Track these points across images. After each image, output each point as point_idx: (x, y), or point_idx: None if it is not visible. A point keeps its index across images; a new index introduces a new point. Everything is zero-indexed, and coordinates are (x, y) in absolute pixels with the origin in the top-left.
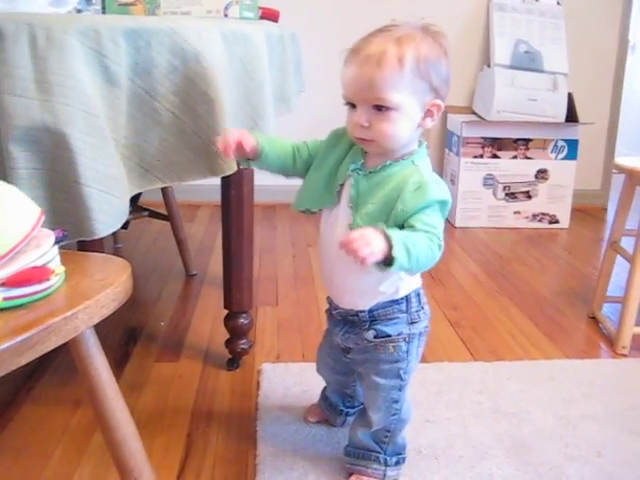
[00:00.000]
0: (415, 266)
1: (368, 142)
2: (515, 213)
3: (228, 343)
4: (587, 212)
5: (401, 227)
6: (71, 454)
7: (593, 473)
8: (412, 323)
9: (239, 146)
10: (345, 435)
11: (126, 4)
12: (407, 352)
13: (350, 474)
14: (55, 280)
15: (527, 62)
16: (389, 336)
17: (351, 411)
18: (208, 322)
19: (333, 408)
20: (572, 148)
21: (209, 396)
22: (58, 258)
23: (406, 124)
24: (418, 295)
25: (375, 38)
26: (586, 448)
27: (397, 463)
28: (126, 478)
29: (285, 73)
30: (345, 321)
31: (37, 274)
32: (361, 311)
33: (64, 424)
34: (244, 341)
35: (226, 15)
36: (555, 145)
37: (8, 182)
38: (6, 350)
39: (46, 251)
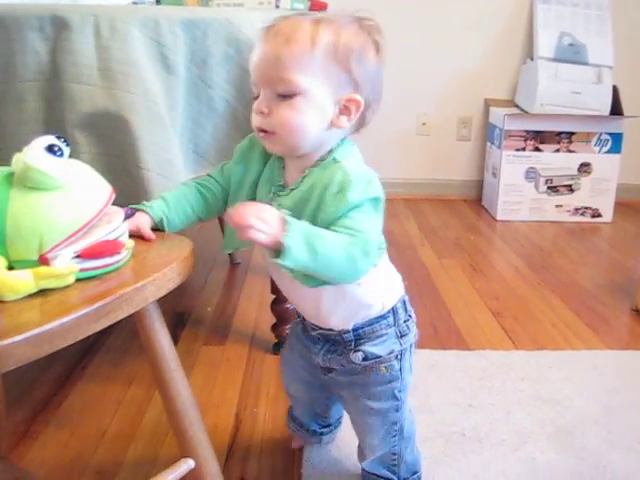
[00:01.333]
0: (324, 270)
1: (269, 135)
2: (557, 207)
3: (274, 328)
4: (631, 206)
5: None
6: (125, 429)
7: (635, 461)
8: (402, 337)
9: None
10: None
11: None
12: (400, 370)
13: None
14: (125, 254)
15: (571, 55)
16: (379, 357)
17: (326, 430)
18: (253, 308)
19: (305, 429)
20: (616, 141)
21: (256, 378)
22: (127, 234)
23: (314, 116)
24: (404, 303)
25: (293, 16)
26: (629, 436)
27: (414, 476)
28: (185, 446)
29: None
30: (326, 340)
31: (110, 247)
32: (345, 331)
33: (117, 401)
34: (290, 326)
35: (277, 6)
36: (599, 138)
37: None
38: (84, 316)
39: (117, 226)
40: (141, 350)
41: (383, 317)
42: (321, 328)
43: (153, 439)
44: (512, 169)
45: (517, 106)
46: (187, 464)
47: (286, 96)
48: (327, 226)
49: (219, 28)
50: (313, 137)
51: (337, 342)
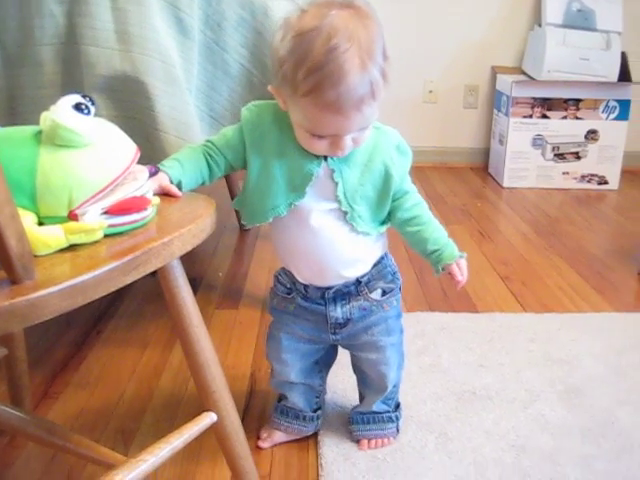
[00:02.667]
0: None
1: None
2: (564, 174)
3: None
4: (638, 174)
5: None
6: (143, 390)
7: None
8: (394, 273)
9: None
10: None
11: None
12: (399, 302)
13: (359, 440)
14: (151, 210)
15: (580, 21)
16: (392, 290)
17: (319, 413)
18: (264, 273)
19: (300, 418)
20: (624, 108)
21: None
22: (152, 191)
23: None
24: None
25: (341, 60)
26: (637, 394)
27: (399, 408)
28: (208, 400)
29: None
30: (341, 296)
31: (137, 203)
32: (362, 275)
33: (134, 363)
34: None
35: None
36: (606, 105)
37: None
38: (115, 269)
39: (142, 184)
40: (155, 315)
41: (382, 257)
42: (337, 284)
43: (171, 399)
44: (519, 136)
45: (524, 73)
46: (210, 417)
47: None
48: (400, 180)
49: None
50: None
51: (350, 293)
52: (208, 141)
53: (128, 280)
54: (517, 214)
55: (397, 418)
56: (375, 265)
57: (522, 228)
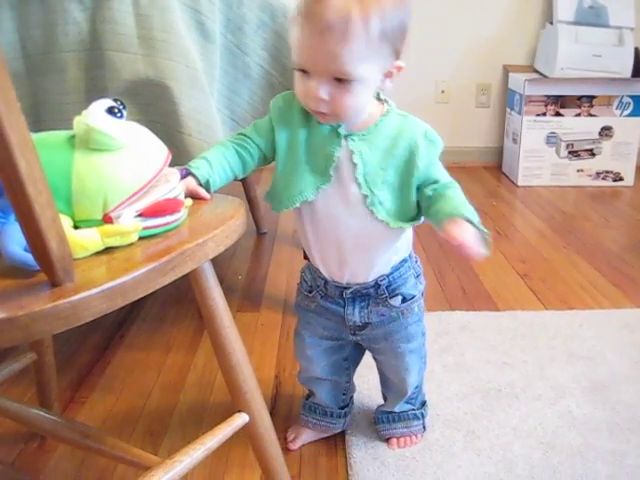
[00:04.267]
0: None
1: (327, 116)
2: (578, 171)
3: None
4: None
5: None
6: (168, 394)
7: None
8: (418, 276)
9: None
10: None
11: None
12: (422, 307)
13: (388, 439)
14: (183, 212)
15: (592, 17)
16: (414, 297)
17: (347, 410)
18: (283, 275)
19: (328, 415)
20: (638, 104)
21: (292, 342)
22: (183, 193)
23: (368, 94)
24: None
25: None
26: None
27: (424, 406)
28: (240, 401)
29: None
30: (361, 297)
31: (171, 206)
32: (381, 278)
33: (158, 367)
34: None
35: None
36: (620, 101)
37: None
38: (152, 270)
39: (174, 186)
40: (177, 318)
41: (404, 260)
42: (357, 284)
43: (196, 401)
44: (533, 134)
45: (537, 71)
46: (242, 418)
47: (343, 82)
48: (427, 172)
49: None
50: (364, 108)
51: (370, 296)
52: (240, 133)
53: (165, 281)
54: (533, 212)
55: (423, 415)
56: (398, 268)
57: (538, 226)
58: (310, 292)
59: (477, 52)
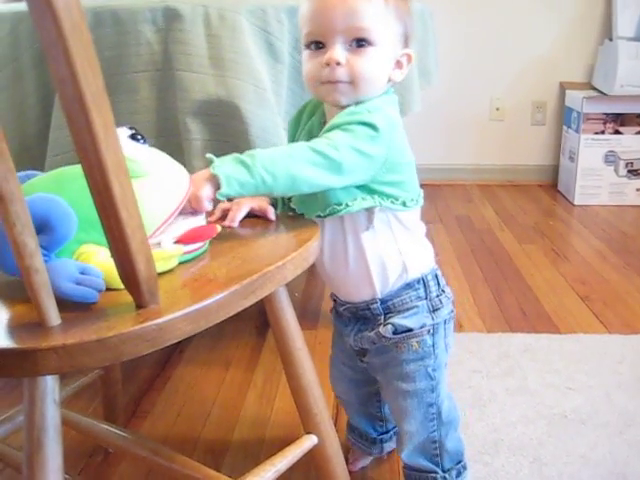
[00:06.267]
0: (272, 177)
1: (341, 85)
2: (638, 190)
3: None
4: None
5: None
6: (228, 411)
7: None
8: (434, 311)
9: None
10: None
11: None
12: (433, 346)
13: None
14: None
15: None
16: (410, 330)
17: (386, 437)
18: None
19: (364, 438)
20: None
21: None
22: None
23: (384, 67)
24: (436, 277)
25: None
26: None
27: (459, 475)
28: (309, 423)
29: (425, 47)
30: (356, 318)
31: (207, 231)
32: (372, 301)
33: (218, 383)
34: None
35: None
36: None
37: (183, 152)
38: (235, 293)
39: (202, 213)
40: (235, 334)
41: (411, 287)
42: (349, 303)
43: (257, 420)
44: (591, 153)
45: (594, 88)
46: (311, 440)
47: (362, 46)
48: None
49: None
50: (377, 90)
51: (367, 319)
52: None
53: (246, 304)
54: (591, 232)
55: None
56: (398, 293)
57: (597, 246)
58: (332, 309)
59: (533, 69)
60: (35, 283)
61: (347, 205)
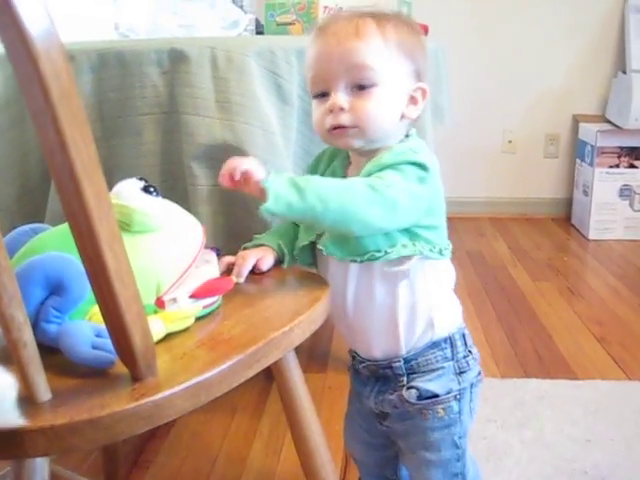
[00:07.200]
0: (324, 206)
1: (348, 130)
2: None
3: None
4: None
5: None
6: (234, 461)
7: None
8: (461, 374)
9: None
10: None
11: (285, 24)
12: (459, 412)
13: None
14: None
15: None
16: (437, 396)
17: None
18: None
19: None
20: None
21: None
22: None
23: (392, 106)
24: (464, 336)
25: (343, 14)
26: None
27: None
28: None
29: (439, 86)
30: (376, 377)
31: (223, 285)
32: (395, 360)
33: (223, 431)
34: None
35: None
36: None
37: (189, 198)
38: (238, 363)
39: (216, 265)
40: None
41: (438, 346)
42: (369, 360)
43: (263, 470)
44: (605, 187)
45: (609, 121)
46: None
47: (365, 88)
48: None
49: None
50: (389, 129)
51: (388, 379)
52: None
53: (250, 374)
54: (606, 268)
55: None
56: (423, 352)
57: (613, 284)
58: (349, 368)
59: (545, 101)
60: (24, 357)
61: (386, 252)
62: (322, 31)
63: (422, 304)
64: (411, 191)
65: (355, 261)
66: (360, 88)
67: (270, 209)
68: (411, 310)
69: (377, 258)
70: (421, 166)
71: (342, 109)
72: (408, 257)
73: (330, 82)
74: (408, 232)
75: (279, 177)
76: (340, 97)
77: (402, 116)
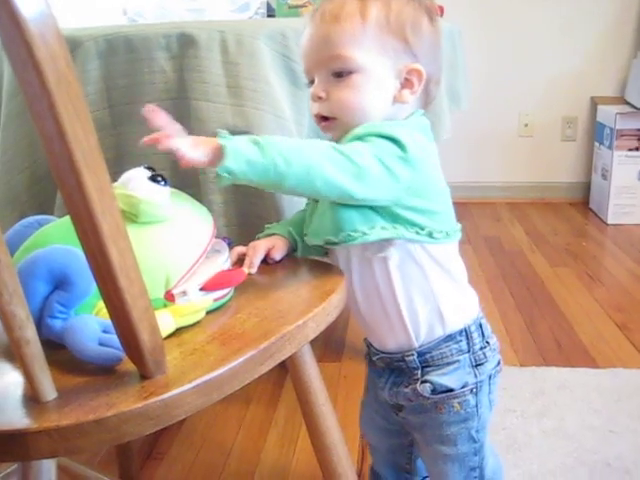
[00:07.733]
0: (286, 162)
1: (330, 122)
2: None
3: None
4: None
5: None
6: (249, 452)
7: None
8: (477, 366)
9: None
10: None
11: (296, 6)
12: (477, 406)
13: None
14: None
15: None
16: (452, 390)
17: None
18: None
19: None
20: None
21: None
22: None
23: (375, 93)
24: (480, 327)
25: None
26: None
27: None
28: None
29: (455, 70)
30: (390, 369)
31: (235, 276)
32: (408, 353)
33: (238, 421)
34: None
35: None
36: None
37: (201, 187)
38: (250, 359)
39: (227, 256)
40: None
41: (452, 339)
42: (383, 352)
43: (279, 462)
44: (624, 170)
45: (628, 103)
46: None
47: (342, 75)
48: None
49: None
50: (377, 116)
51: (402, 371)
52: None
53: (263, 370)
54: (626, 253)
55: None
56: (437, 345)
57: (633, 269)
58: (366, 355)
59: (563, 83)
60: (27, 356)
61: (364, 233)
62: (312, 14)
63: (421, 292)
64: (386, 164)
65: (334, 243)
66: (337, 75)
67: (229, 167)
68: (410, 299)
69: (354, 239)
70: (395, 142)
71: (320, 98)
72: (389, 241)
73: (313, 70)
74: (389, 214)
75: (237, 137)
76: (318, 86)
77: (394, 100)
